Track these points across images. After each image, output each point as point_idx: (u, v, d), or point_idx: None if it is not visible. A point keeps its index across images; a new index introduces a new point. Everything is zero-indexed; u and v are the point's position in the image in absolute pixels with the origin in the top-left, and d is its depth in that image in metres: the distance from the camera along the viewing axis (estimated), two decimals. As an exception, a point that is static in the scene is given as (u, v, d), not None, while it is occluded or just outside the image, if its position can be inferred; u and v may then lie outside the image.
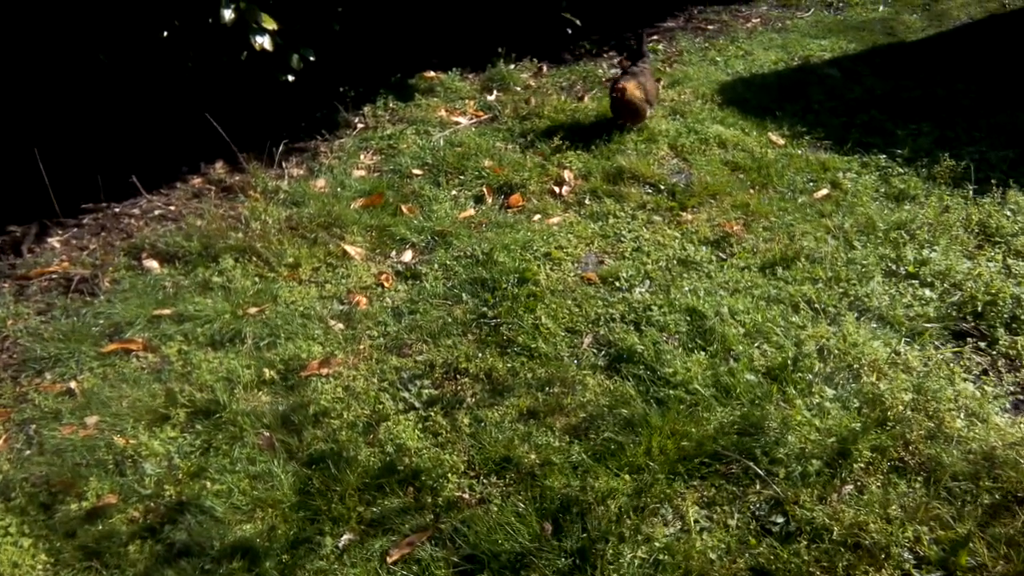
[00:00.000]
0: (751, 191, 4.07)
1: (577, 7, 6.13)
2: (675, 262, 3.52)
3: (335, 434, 2.73)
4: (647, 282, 3.41)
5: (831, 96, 5.04)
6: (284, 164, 4.71)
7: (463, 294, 3.39)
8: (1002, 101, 4.67)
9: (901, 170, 4.09)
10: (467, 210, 4.10)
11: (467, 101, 5.36)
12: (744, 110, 4.88)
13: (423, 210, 4.11)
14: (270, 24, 4.31)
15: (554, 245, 3.70)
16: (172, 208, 4.42)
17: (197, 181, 4.68)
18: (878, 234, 3.55)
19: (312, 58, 4.71)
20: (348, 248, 3.81)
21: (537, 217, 3.99)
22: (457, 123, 5.06)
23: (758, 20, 6.67)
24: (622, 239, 3.74)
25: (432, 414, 2.78)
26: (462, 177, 4.38)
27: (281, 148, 4.72)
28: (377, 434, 2.71)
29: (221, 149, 4.59)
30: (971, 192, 3.76)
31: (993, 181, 3.82)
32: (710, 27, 6.56)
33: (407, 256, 3.78)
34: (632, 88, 4.46)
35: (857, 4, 6.90)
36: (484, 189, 4.25)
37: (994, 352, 2.90)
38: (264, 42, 4.30)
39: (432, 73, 5.71)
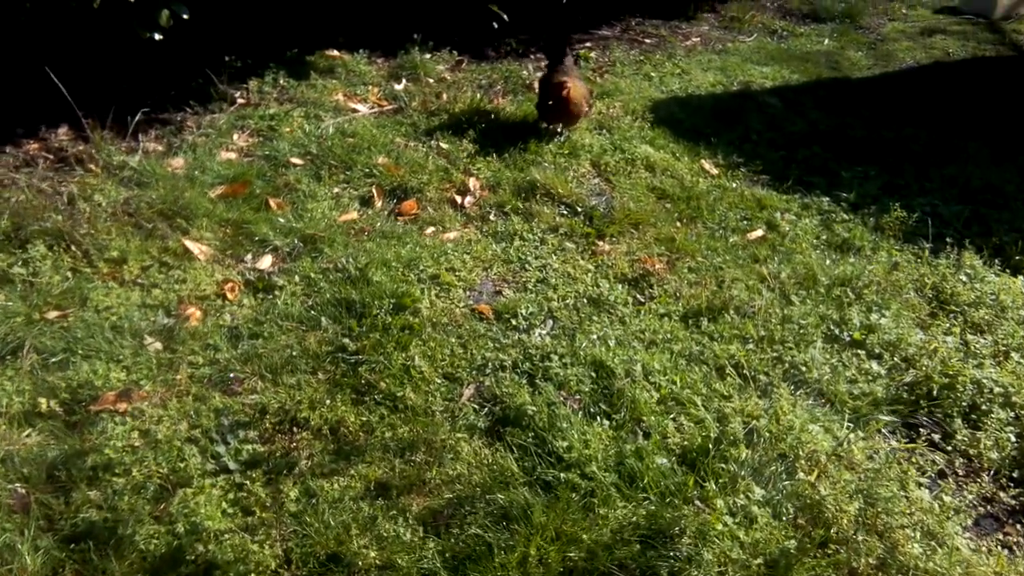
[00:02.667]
0: (678, 224, 3.53)
1: (506, 2, 5.53)
2: (585, 300, 2.94)
3: (114, 499, 2.04)
4: (550, 323, 2.82)
5: (771, 126, 4.57)
6: (140, 136, 3.96)
7: (323, 318, 2.73)
8: (952, 151, 4.29)
9: (846, 216, 3.62)
10: (349, 212, 3.44)
11: (371, 88, 4.69)
12: (677, 132, 4.36)
13: (295, 207, 3.43)
14: (133, -32, 3.56)
15: (445, 266, 3.07)
16: (-9, 176, 3.62)
17: (33, 147, 3.88)
18: (819, 289, 3.05)
19: (186, 16, 3.97)
20: (191, 245, 3.10)
21: (431, 230, 3.36)
22: (355, 111, 4.39)
23: (698, 39, 6.21)
24: (527, 266, 3.14)
25: (249, 481, 2.11)
26: (349, 173, 3.72)
27: (139, 117, 3.96)
28: (170, 504, 2.03)
29: (68, 113, 3.80)
30: (926, 250, 3.30)
31: (948, 240, 3.38)
32: (647, 41, 6.06)
33: (264, 262, 3.10)
34: (577, 86, 3.92)
35: (801, 35, 6.52)
36: (374, 190, 3.60)
37: (950, 448, 2.42)
38: (124, -11, 3.55)
39: (336, 52, 5.03)
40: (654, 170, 3.96)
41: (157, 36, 3.93)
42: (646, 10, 6.68)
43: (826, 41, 6.36)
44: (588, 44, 5.90)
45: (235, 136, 4.06)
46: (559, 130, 4.12)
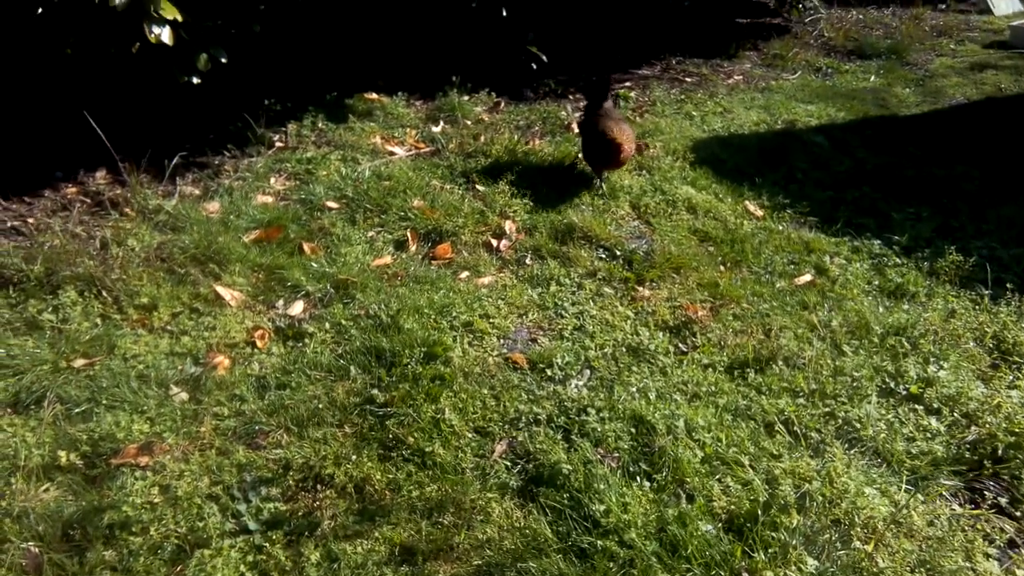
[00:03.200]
0: (721, 268, 3.40)
1: (545, 43, 5.51)
2: (624, 349, 2.82)
3: (130, 559, 1.96)
4: (587, 373, 2.70)
5: (817, 166, 4.43)
6: (178, 180, 3.96)
7: (352, 367, 2.64)
8: (1008, 190, 4.10)
9: (898, 261, 3.46)
10: (383, 257, 3.38)
11: (408, 130, 4.66)
12: (719, 172, 4.25)
13: (329, 252, 3.37)
14: (171, 13, 3.58)
15: (479, 312, 2.98)
16: (30, 220, 3.63)
17: (71, 191, 3.90)
18: (872, 339, 2.89)
19: (224, 60, 3.98)
20: (222, 291, 3.05)
21: (465, 274, 3.28)
22: (392, 153, 4.35)
23: (740, 77, 6.11)
24: (563, 313, 3.03)
25: (270, 543, 2.02)
26: (384, 216, 3.66)
27: (176, 161, 3.97)
28: (187, 566, 1.94)
29: (106, 157, 3.83)
30: (985, 297, 3.13)
31: (1008, 285, 3.20)
32: (688, 79, 5.97)
33: (296, 308, 3.03)
34: (625, 131, 3.81)
35: (847, 72, 6.39)
36: (408, 233, 3.53)
37: (1020, 515, 2.23)
38: (162, 34, 3.57)
39: (374, 95, 5.02)
40: (696, 212, 3.84)
41: (195, 80, 3.94)
42: (687, 49, 6.63)
43: (872, 78, 6.22)
44: (628, 84, 5.84)
45: (272, 180, 4.03)
46: (603, 176, 4.01)
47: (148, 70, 3.87)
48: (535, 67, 5.50)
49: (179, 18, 3.62)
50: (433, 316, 2.90)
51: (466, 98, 5.17)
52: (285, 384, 2.58)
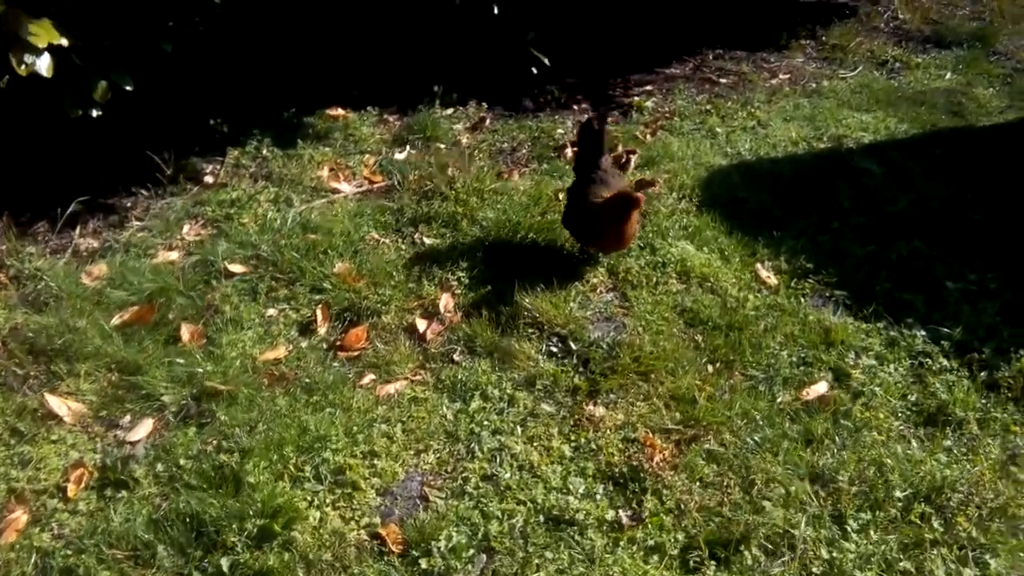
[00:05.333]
0: (709, 369, 2.61)
1: (550, 41, 4.69)
2: (542, 519, 2.09)
3: None
4: (480, 562, 1.97)
5: (862, 205, 3.54)
6: (76, 231, 3.35)
7: (161, 547, 1.98)
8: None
9: (946, 363, 2.61)
10: (277, 347, 2.71)
11: (366, 157, 3.95)
12: (732, 218, 3.41)
13: (211, 341, 2.71)
14: (49, 38, 2.95)
15: (362, 448, 2.28)
16: None
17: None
18: (891, 507, 2.09)
19: (130, 88, 3.33)
20: (55, 403, 2.45)
21: (370, 378, 2.58)
22: (336, 191, 3.66)
23: (787, 76, 5.16)
24: (476, 450, 2.31)
25: None
26: (294, 288, 2.98)
27: (73, 208, 3.36)
28: None
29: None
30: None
31: (1100, 416, 2.32)
32: (722, 80, 5.06)
33: (141, 430, 2.40)
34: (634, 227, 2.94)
35: (918, 66, 5.33)
36: (319, 312, 2.85)
37: None
38: (38, 65, 2.94)
39: (340, 111, 4.32)
40: (689, 280, 3.03)
41: (95, 113, 3.31)
42: (729, 40, 5.66)
43: (948, 75, 5.17)
44: (649, 87, 4.97)
45: (185, 228, 3.39)
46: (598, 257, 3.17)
47: (33, 104, 3.26)
48: (535, 71, 4.69)
49: (64, 42, 2.98)
50: (295, 459, 2.21)
51: (448, 112, 4.42)
52: (71, 570, 1.94)
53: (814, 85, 5.03)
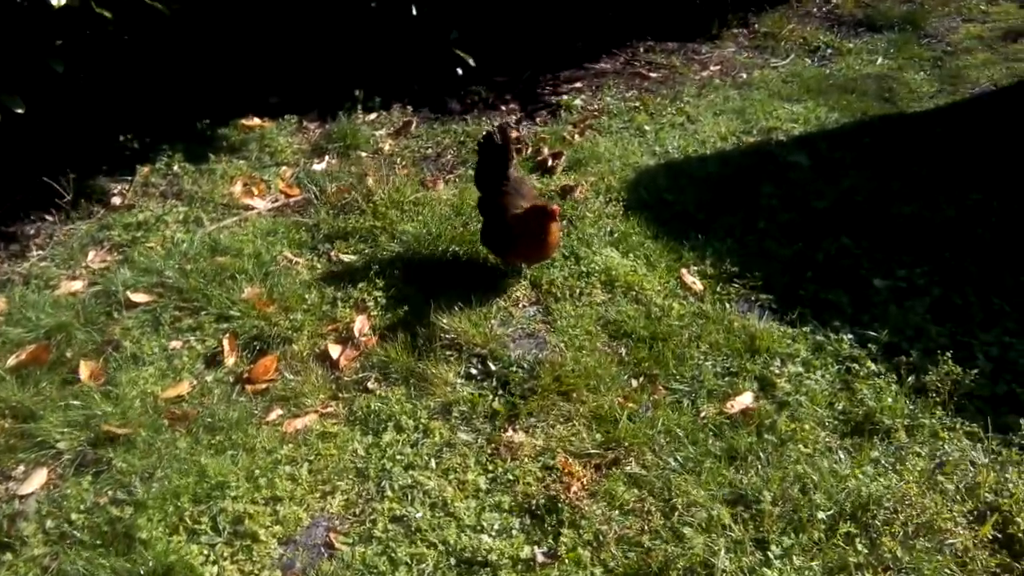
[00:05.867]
0: (631, 384, 2.53)
1: (476, 40, 4.56)
2: (453, 562, 1.98)
3: None
4: (385, 612, 1.86)
5: (790, 202, 3.49)
6: (-28, 262, 3.16)
7: (40, 619, 1.84)
8: (1035, 236, 3.13)
9: (873, 367, 2.56)
10: (180, 384, 2.57)
11: (283, 169, 3.80)
12: (658, 221, 3.33)
13: (111, 380, 2.56)
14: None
15: (264, 493, 2.16)
16: None
17: None
18: (816, 529, 2.01)
19: (20, 111, 3.14)
20: (-65, 463, 2.26)
21: (278, 413, 2.46)
22: (249, 208, 3.51)
23: (717, 68, 5.09)
24: (387, 488, 2.20)
25: None
26: (199, 317, 2.83)
27: (-36, 239, 3.17)
28: None
29: None
30: (990, 436, 2.22)
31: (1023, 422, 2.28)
32: (652, 75, 4.98)
33: (35, 481, 2.26)
34: (555, 236, 2.84)
35: (850, 52, 5.30)
36: (225, 342, 2.71)
37: None
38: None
39: (257, 120, 4.16)
40: (613, 289, 2.94)
41: (-18, 138, 3.12)
42: (661, 31, 5.58)
43: (880, 59, 5.14)
44: (578, 84, 4.88)
45: (90, 255, 3.23)
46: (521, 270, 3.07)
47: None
48: (461, 72, 4.58)
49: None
50: (192, 509, 2.08)
51: (371, 117, 4.28)
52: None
53: (745, 76, 4.97)
